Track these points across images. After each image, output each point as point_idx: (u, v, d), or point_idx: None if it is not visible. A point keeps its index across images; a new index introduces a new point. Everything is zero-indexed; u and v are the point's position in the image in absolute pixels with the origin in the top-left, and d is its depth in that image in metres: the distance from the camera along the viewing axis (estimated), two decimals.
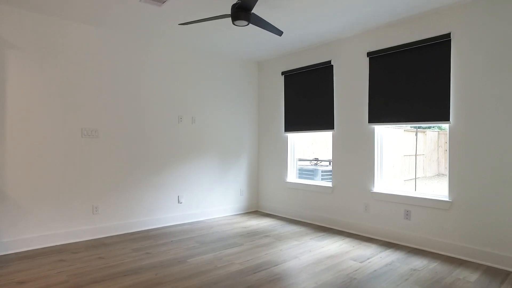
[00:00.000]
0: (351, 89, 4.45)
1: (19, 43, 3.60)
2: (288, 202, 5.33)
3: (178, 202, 4.87)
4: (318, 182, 5.04)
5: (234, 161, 5.53)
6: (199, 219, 5.09)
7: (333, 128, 4.64)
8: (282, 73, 5.33)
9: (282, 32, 3.56)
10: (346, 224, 4.49)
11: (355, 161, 4.40)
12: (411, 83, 3.83)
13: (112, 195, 4.24)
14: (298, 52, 5.15)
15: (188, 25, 4.04)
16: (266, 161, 5.72)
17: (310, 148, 6.26)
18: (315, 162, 5.94)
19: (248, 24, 3.17)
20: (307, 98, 4.98)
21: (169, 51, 4.75)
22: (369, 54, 4.19)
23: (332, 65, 4.64)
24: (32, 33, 3.68)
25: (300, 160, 5.72)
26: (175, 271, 3.09)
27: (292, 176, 5.36)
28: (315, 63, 4.89)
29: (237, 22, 3.11)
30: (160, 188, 4.68)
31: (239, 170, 5.60)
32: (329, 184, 4.76)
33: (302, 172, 5.51)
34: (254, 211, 5.79)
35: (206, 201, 5.18)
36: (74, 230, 3.94)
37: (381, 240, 4.06)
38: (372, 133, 4.22)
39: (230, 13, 3.32)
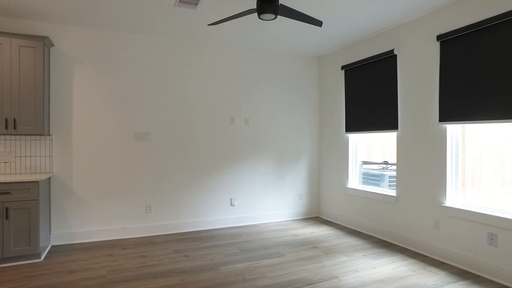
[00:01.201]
0: (417, 82, 3.74)
1: (82, 58, 4.02)
2: (349, 210, 4.80)
3: (231, 204, 4.84)
4: (381, 189, 4.40)
5: (292, 163, 5.24)
6: (252, 223, 4.97)
7: (397, 128, 3.97)
8: (342, 67, 4.82)
9: (322, 22, 3.16)
10: (412, 241, 3.80)
11: (423, 167, 3.67)
12: (503, 68, 2.99)
13: (164, 195, 4.44)
14: (357, 43, 4.58)
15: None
16: (327, 163, 5.27)
17: (384, 149, 5.54)
18: (384, 166, 5.23)
19: (275, 17, 2.89)
20: (368, 94, 4.38)
21: (219, 52, 4.74)
22: (439, 37, 3.44)
23: (395, 55, 3.96)
24: (91, 47, 4.06)
25: (366, 163, 5.10)
26: (202, 279, 3.02)
27: (353, 181, 4.81)
28: (375, 54, 4.27)
29: (263, 16, 2.86)
30: (212, 190, 4.71)
31: (298, 173, 5.29)
32: (393, 192, 4.11)
33: (368, 177, 4.90)
34: (315, 217, 5.40)
35: (260, 205, 5.03)
36: (129, 227, 4.24)
37: (454, 267, 3.30)
38: (443, 134, 3.46)
39: (256, 8, 3.08)
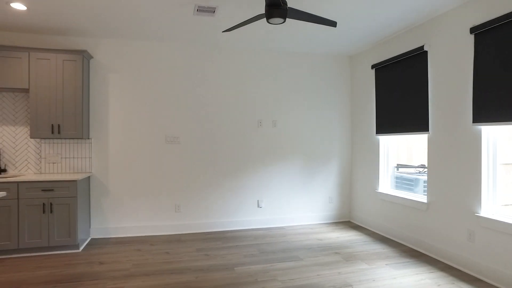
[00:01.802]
0: (449, 79, 3.44)
1: (116, 67, 4.38)
2: (379, 216, 4.57)
3: (258, 206, 4.89)
4: (412, 195, 4.13)
5: (321, 166, 5.13)
6: (279, 225, 4.97)
7: (428, 130, 3.69)
8: (372, 66, 4.60)
9: (336, 23, 3.07)
10: (443, 252, 3.51)
11: (456, 172, 3.37)
12: None
13: (192, 195, 4.64)
14: (387, 41, 4.34)
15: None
16: (359, 166, 5.07)
17: (424, 151, 5.18)
18: (421, 170, 4.88)
19: (284, 21, 2.88)
20: (398, 94, 4.13)
21: (245, 56, 4.82)
22: (473, 29, 3.13)
23: (426, 51, 3.69)
24: (124, 57, 4.40)
25: (403, 166, 4.81)
26: (215, 278, 3.11)
27: (385, 186, 4.57)
28: (405, 51, 4.02)
29: (271, 21, 2.87)
30: (239, 192, 4.81)
31: (328, 175, 5.17)
32: (424, 199, 3.83)
33: (403, 182, 4.62)
34: (346, 221, 5.23)
35: (288, 207, 5.01)
36: (158, 224, 4.51)
37: (490, 285, 2.98)
38: (477, 136, 3.15)
39: (264, 13, 3.09)
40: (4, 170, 4.04)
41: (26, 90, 3.91)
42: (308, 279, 3.07)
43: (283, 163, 4.98)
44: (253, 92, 4.86)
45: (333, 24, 3.09)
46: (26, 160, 4.12)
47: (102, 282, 3.01)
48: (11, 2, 3.24)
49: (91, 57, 4.24)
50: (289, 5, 3.38)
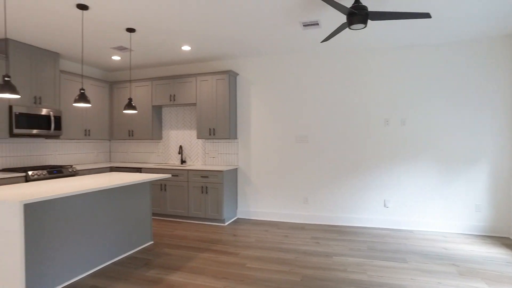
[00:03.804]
0: None
1: (254, 80, 5.37)
2: None
3: (384, 206, 4.82)
4: None
5: (462, 169, 4.50)
6: (407, 228, 4.70)
7: None
8: None
9: (429, 14, 2.87)
10: None
11: None
12: None
13: (320, 190, 5.09)
14: None
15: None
16: None
17: None
18: None
19: (365, 26, 2.99)
20: None
21: (369, 54, 4.84)
22: None
23: None
24: (260, 71, 5.33)
25: None
26: (311, 261, 3.53)
27: None
28: None
29: (353, 27, 3.05)
30: (364, 189, 4.90)
31: (473, 180, 4.47)
32: None
33: None
34: (504, 237, 4.35)
35: (418, 210, 4.68)
36: (288, 213, 5.21)
37: None
38: None
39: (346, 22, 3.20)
40: (184, 162, 5.75)
41: (194, 104, 5.45)
42: (397, 280, 3.03)
43: (413, 163, 4.68)
44: (379, 89, 4.83)
45: (427, 16, 2.92)
46: (196, 154, 5.71)
47: (228, 247, 3.99)
48: (182, 46, 4.71)
49: (237, 74, 5.41)
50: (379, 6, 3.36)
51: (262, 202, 5.37)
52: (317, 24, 3.87)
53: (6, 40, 4.23)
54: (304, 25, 3.92)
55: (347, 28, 3.86)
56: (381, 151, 4.83)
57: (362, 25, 2.99)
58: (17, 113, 4.24)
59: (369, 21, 3.82)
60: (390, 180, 4.79)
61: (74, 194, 2.65)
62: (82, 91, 3.34)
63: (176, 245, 4.06)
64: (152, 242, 4.17)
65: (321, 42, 3.64)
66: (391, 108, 4.78)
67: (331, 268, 3.33)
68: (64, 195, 2.55)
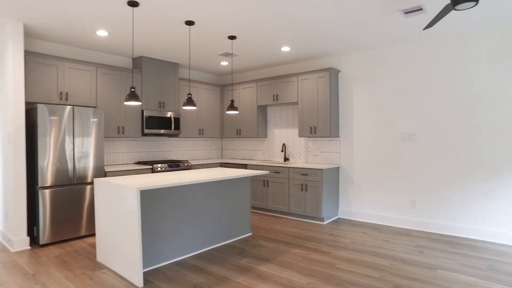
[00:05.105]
0: None
1: (357, 76, 5.13)
2: None
3: None
4: None
5: None
6: None
7: None
8: None
9: None
10: None
11: None
12: None
13: (430, 194, 4.53)
14: None
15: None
16: None
17: None
18: None
19: (476, 4, 2.54)
20: None
21: (484, 42, 4.02)
22: None
23: None
24: (361, 67, 5.04)
25: None
26: (409, 270, 3.22)
27: None
28: None
29: (458, 7, 2.63)
30: (488, 197, 4.13)
31: None
32: None
33: None
34: None
35: None
36: (393, 216, 4.81)
37: None
38: None
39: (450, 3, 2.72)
40: (287, 159, 5.94)
41: (295, 103, 5.57)
42: None
43: None
44: (508, 79, 3.98)
45: None
46: (299, 152, 5.82)
47: (322, 245, 3.98)
48: (281, 47, 4.89)
49: (339, 71, 5.27)
50: None
51: (365, 203, 5.11)
52: (421, 9, 3.47)
53: (141, 58, 5.23)
54: (405, 13, 3.56)
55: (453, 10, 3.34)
56: (508, 154, 3.98)
57: (471, 3, 2.56)
58: (147, 116, 5.20)
59: None
60: None
61: (176, 185, 3.13)
62: (189, 95, 3.88)
63: (271, 239, 4.28)
64: (250, 233, 4.50)
65: (424, 29, 3.25)
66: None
67: (431, 282, 2.97)
68: (168, 186, 3.04)
